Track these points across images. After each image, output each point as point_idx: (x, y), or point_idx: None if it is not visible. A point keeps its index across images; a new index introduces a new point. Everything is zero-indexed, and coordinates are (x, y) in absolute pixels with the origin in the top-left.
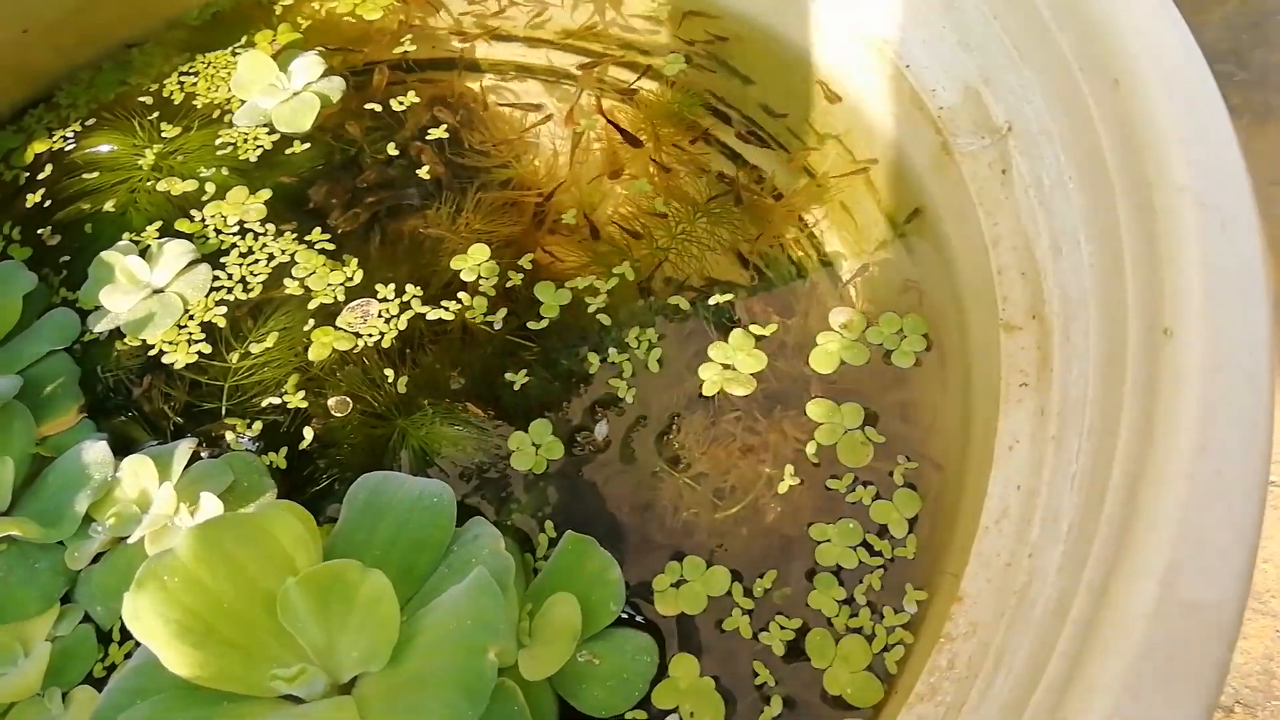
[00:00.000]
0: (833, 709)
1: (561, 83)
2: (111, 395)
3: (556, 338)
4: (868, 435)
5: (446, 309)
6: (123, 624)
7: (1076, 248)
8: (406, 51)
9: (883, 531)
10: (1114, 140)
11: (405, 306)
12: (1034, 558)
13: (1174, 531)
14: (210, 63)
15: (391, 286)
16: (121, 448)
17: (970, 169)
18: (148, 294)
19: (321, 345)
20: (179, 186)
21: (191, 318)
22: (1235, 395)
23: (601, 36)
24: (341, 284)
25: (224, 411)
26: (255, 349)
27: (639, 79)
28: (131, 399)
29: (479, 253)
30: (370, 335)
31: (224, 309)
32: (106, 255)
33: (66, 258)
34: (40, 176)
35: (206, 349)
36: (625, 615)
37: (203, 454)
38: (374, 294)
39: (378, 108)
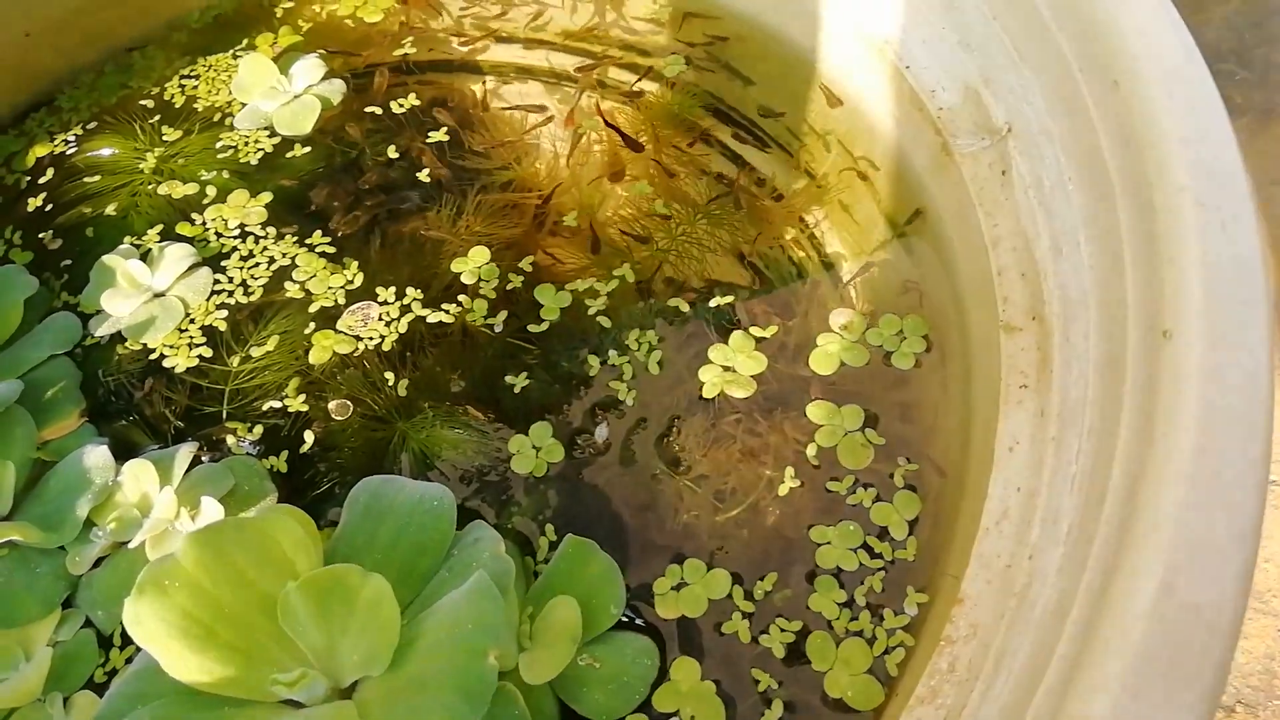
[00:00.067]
0: (834, 712)
1: (562, 84)
2: (113, 399)
3: (557, 340)
4: (868, 437)
5: (447, 312)
6: (124, 629)
7: (1076, 248)
8: (407, 54)
9: (883, 533)
10: (1114, 141)
11: (406, 309)
12: (1034, 559)
13: (1174, 532)
14: (211, 66)
15: (392, 289)
16: (122, 452)
17: (970, 170)
18: (149, 298)
19: (322, 348)
20: (180, 190)
21: (192, 321)
22: (1235, 395)
23: (602, 38)
24: (342, 287)
25: (225, 415)
26: (256, 352)
27: (639, 80)
28: (132, 403)
29: (479, 255)
30: (371, 338)
31: (225, 312)
32: (108, 259)
33: (68, 262)
34: (42, 180)
35: (207, 353)
36: (626, 618)
37: (203, 458)
38: (374, 297)
39: (378, 110)
